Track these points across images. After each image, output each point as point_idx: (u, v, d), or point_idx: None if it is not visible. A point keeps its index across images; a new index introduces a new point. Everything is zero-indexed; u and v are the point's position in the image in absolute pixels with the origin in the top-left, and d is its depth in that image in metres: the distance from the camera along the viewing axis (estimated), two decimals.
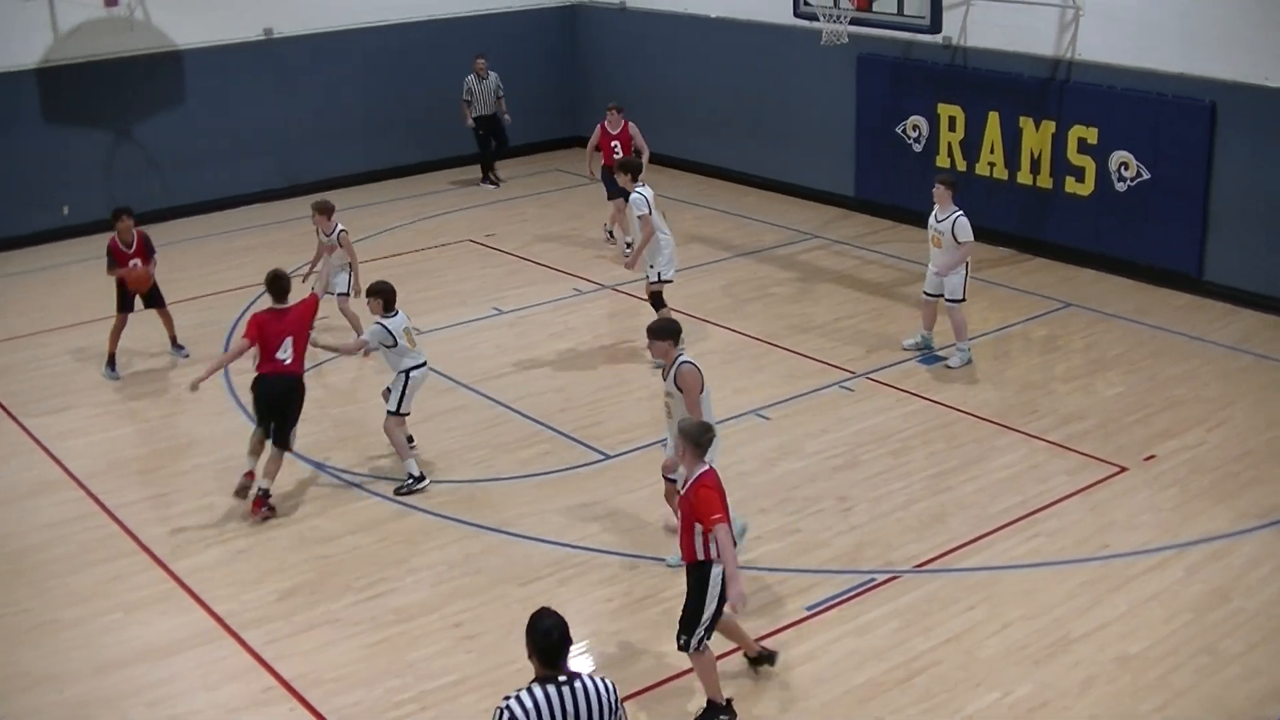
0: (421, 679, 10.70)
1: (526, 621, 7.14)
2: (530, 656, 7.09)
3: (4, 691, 10.86)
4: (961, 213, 15.77)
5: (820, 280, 19.55)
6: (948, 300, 16.06)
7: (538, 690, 6.95)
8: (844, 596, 11.54)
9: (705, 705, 10.02)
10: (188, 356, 17.42)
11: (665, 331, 11.65)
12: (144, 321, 17.84)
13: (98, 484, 14.19)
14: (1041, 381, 15.83)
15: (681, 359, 11.43)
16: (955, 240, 15.77)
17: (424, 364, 13.86)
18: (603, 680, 7.11)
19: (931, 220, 16.06)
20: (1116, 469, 13.55)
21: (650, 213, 16.30)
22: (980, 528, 12.59)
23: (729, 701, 10.01)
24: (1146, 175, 18.36)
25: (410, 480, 13.67)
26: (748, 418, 15.07)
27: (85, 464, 14.66)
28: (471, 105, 24.75)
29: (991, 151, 20.23)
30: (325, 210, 17.41)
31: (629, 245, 20.55)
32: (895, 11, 19.06)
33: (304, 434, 13.94)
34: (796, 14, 20.43)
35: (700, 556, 9.65)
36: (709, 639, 9.84)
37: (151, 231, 22.74)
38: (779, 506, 13.10)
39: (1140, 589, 11.52)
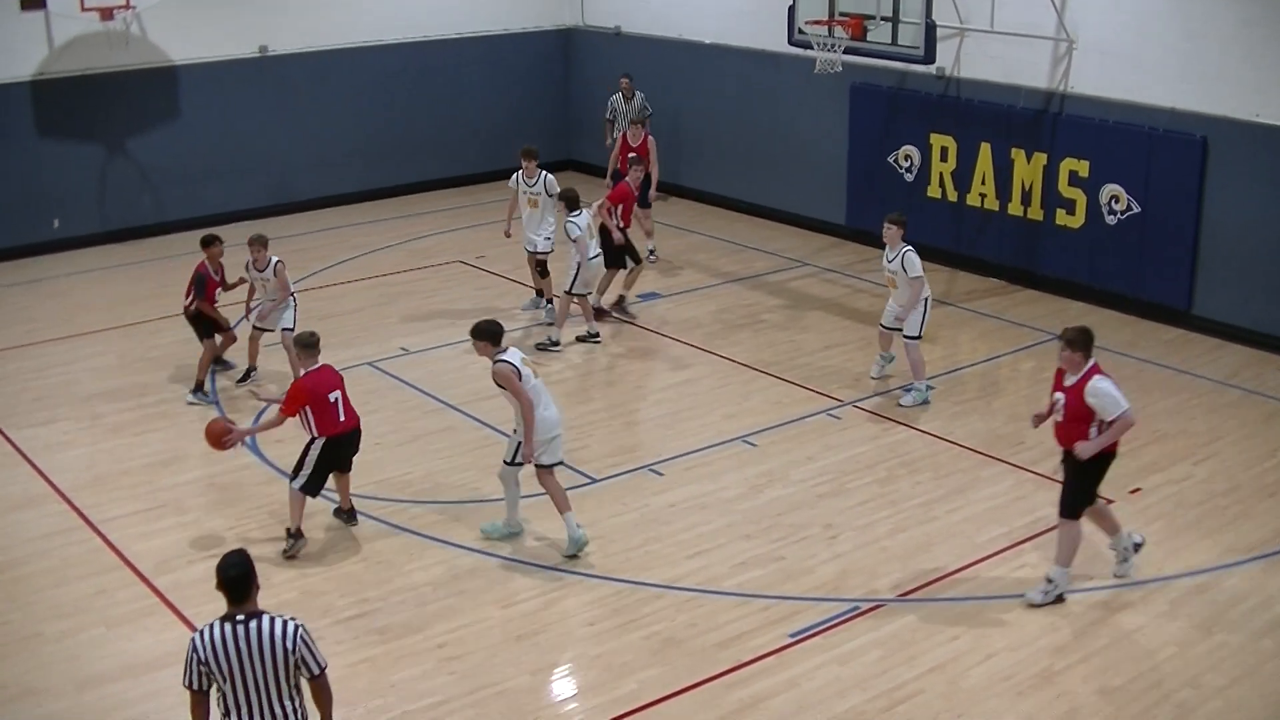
0: (404, 700, 10.67)
1: None
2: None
3: None
4: (910, 248, 15.76)
5: (810, 308, 19.58)
6: (905, 337, 15.98)
7: (218, 626, 7.73)
8: (828, 624, 11.53)
9: None
10: (214, 403, 16.45)
11: (485, 333, 12.57)
12: (130, 336, 17.83)
13: (82, 498, 14.15)
14: (1029, 413, 15.71)
15: (498, 358, 12.40)
16: (906, 275, 15.72)
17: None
18: (285, 621, 7.76)
19: (884, 261, 16.05)
20: (1103, 501, 13.54)
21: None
22: (965, 557, 12.61)
23: None
24: (1137, 209, 18.42)
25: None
26: (735, 444, 15.08)
27: (70, 478, 14.62)
28: (614, 125, 24.01)
29: (983, 182, 20.30)
30: (264, 243, 16.80)
31: (651, 251, 21.24)
32: (889, 41, 19.11)
33: (288, 453, 13.90)
34: (791, 42, 20.49)
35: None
36: None
37: (141, 248, 22.92)
38: (764, 533, 13.10)
39: (1124, 622, 11.54)
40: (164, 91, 23.49)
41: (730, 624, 11.55)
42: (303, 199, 25.10)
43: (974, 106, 20.33)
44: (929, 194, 21.00)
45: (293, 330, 16.26)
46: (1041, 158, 19.47)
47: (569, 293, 18.13)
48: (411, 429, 15.63)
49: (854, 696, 10.54)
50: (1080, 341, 11.41)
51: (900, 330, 16.07)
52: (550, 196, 18.71)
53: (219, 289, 16.78)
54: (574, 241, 17.76)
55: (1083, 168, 18.96)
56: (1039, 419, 12.04)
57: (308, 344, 13.00)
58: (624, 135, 21.66)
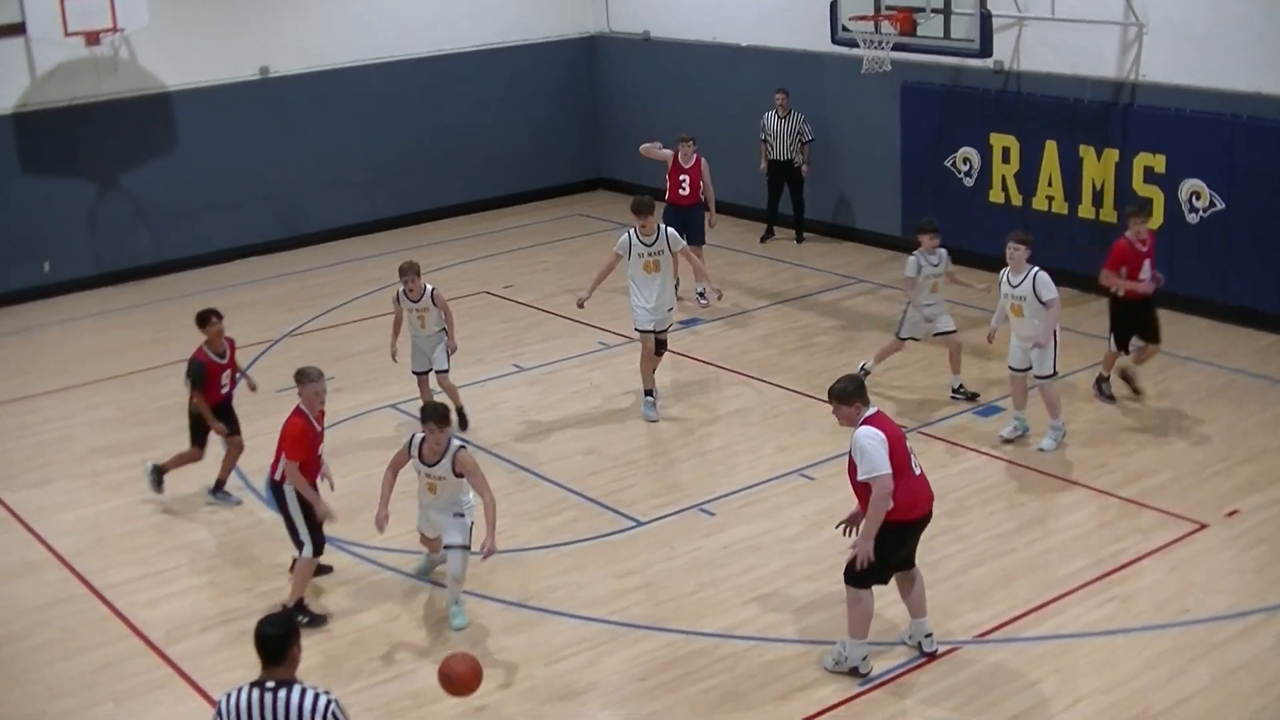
0: None
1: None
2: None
3: None
4: (1039, 269, 15.12)
5: (866, 328, 19.56)
6: (1037, 377, 15.33)
7: (246, 691, 7.71)
8: (899, 670, 11.45)
9: None
10: (238, 504, 15.39)
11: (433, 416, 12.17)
12: (129, 386, 17.94)
13: (84, 563, 14.21)
14: (1109, 433, 15.76)
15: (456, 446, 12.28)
16: (1039, 300, 15.03)
17: None
18: (317, 695, 7.66)
19: (1005, 286, 15.36)
20: (1196, 526, 13.48)
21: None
22: (1047, 593, 12.51)
23: None
24: (1220, 205, 18.36)
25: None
26: (791, 478, 15.05)
27: (70, 541, 14.68)
28: (769, 145, 23.63)
29: (1049, 184, 20.27)
30: (417, 270, 16.32)
31: (702, 294, 20.48)
32: (941, 35, 19.18)
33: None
34: (835, 40, 20.54)
35: None
36: None
37: (139, 290, 23.03)
38: (827, 574, 12.98)
39: (1226, 658, 11.42)
40: (158, 120, 23.71)
41: (794, 674, 11.48)
42: (312, 230, 25.24)
43: (1036, 102, 20.32)
44: (991, 199, 20.98)
45: (447, 370, 16.52)
46: (1113, 154, 19.42)
47: None
48: None
49: None
50: (845, 389, 11.15)
51: (1029, 370, 15.37)
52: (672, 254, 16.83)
53: (227, 374, 15.21)
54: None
55: (1159, 163, 18.91)
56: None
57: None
58: (675, 155, 20.81)
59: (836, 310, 20.40)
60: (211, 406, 14.96)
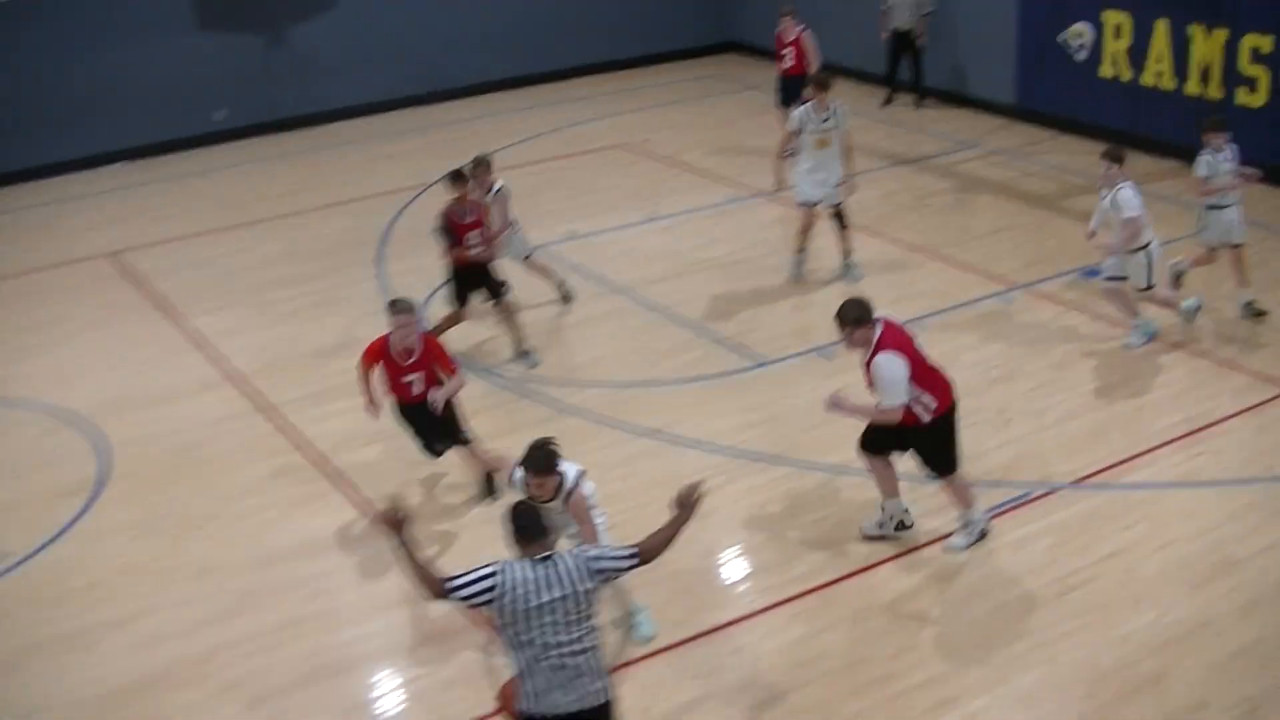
0: None
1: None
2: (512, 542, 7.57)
3: (170, 580, 11.39)
4: (1127, 184, 13.87)
5: (979, 191, 19.42)
6: (1135, 290, 14.38)
7: (524, 564, 7.39)
8: (999, 510, 11.53)
9: None
10: (535, 366, 14.78)
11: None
12: (298, 225, 18.20)
13: (257, 383, 14.64)
14: (1209, 299, 15.57)
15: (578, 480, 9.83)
16: (1119, 215, 13.84)
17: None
18: (573, 554, 7.48)
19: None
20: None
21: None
22: (1141, 445, 12.50)
23: None
24: None
25: None
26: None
27: (244, 364, 15.12)
28: (889, 15, 23.28)
29: (1158, 61, 19.90)
30: (489, 166, 15.09)
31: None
32: None
33: (476, 337, 14.20)
34: None
35: None
36: None
37: (289, 140, 23.30)
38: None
39: None
40: None
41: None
42: (454, 85, 25.32)
43: None
44: (1101, 74, 20.64)
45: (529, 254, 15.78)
46: (1222, 34, 18.99)
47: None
48: (578, 313, 15.85)
49: (1025, 583, 10.59)
50: (859, 316, 10.38)
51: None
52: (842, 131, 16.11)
53: (475, 234, 14.22)
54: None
55: (1265, 43, 18.47)
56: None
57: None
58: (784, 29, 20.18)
59: (951, 173, 20.23)
60: (463, 266, 14.28)
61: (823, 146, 15.93)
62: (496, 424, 13.38)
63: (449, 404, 11.77)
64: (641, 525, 11.45)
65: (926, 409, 10.52)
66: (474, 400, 13.85)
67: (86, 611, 11.03)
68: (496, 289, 14.47)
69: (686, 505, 7.85)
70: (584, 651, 7.45)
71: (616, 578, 7.66)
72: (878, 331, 10.36)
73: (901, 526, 11.25)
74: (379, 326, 15.57)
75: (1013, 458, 12.39)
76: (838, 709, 9.39)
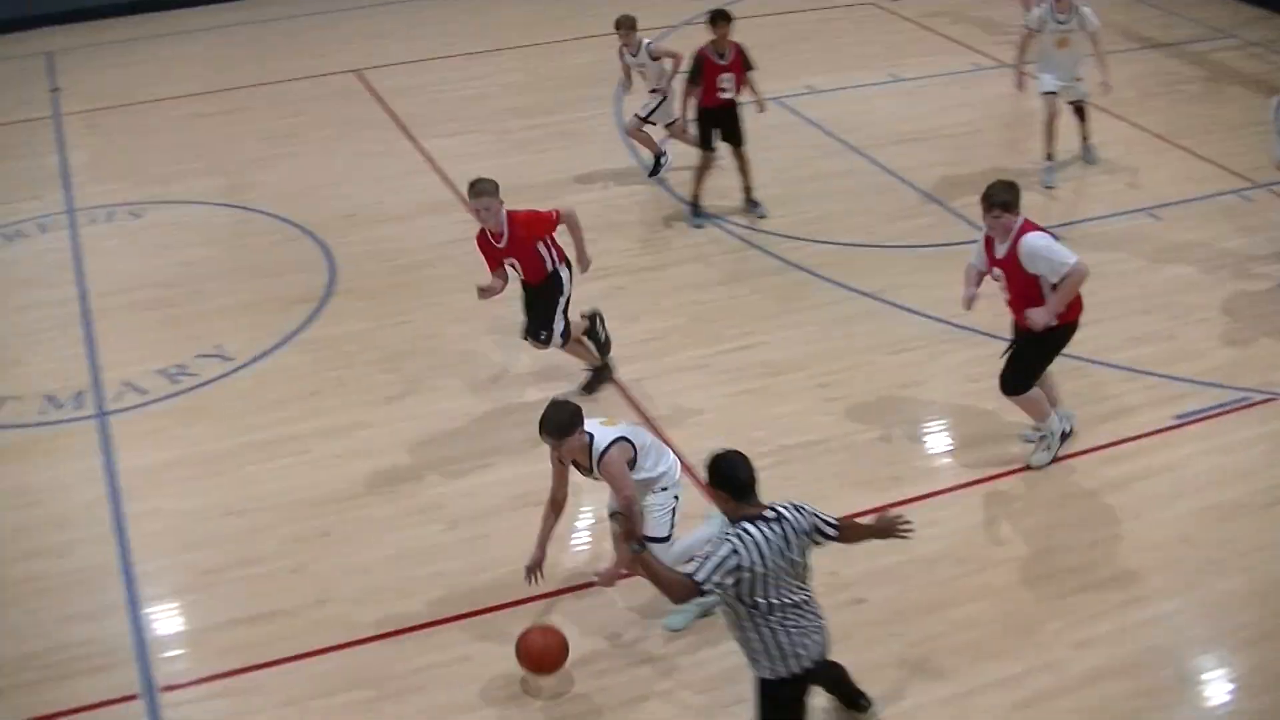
0: (781, 434, 10.87)
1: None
2: (721, 497, 7.04)
3: (390, 395, 11.61)
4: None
5: (1230, 82, 18.48)
6: None
7: (757, 529, 6.85)
8: (1215, 411, 11.11)
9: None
10: (764, 217, 14.58)
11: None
12: (544, 56, 18.13)
13: None
14: None
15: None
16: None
17: None
18: (799, 511, 6.97)
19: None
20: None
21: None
22: None
23: None
24: None
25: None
26: (1137, 215, 14.51)
27: None
28: None
29: None
30: (633, 24, 14.94)
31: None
32: None
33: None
34: None
35: None
36: None
37: None
38: (1161, 309, 12.63)
39: None
40: None
41: (1116, 398, 11.30)
42: None
43: None
44: None
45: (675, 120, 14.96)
46: None
47: None
48: (813, 169, 15.60)
49: (1234, 488, 10.21)
50: (1008, 200, 9.68)
51: None
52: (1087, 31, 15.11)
53: (728, 77, 13.87)
54: None
55: None
56: (969, 301, 10.39)
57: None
58: None
59: (1203, 61, 19.27)
60: (709, 109, 13.96)
61: (1063, 46, 15.10)
62: (721, 271, 13.32)
63: (546, 293, 11.01)
64: (852, 388, 11.40)
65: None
66: (698, 246, 13.79)
67: (300, 420, 11.31)
68: (737, 134, 14.22)
69: (883, 532, 7.29)
70: (813, 603, 7.15)
71: (818, 544, 7.10)
72: (1019, 222, 9.75)
73: (1064, 438, 10.65)
74: (613, 163, 15.72)
75: (1234, 359, 11.87)
76: (1027, 592, 9.22)
